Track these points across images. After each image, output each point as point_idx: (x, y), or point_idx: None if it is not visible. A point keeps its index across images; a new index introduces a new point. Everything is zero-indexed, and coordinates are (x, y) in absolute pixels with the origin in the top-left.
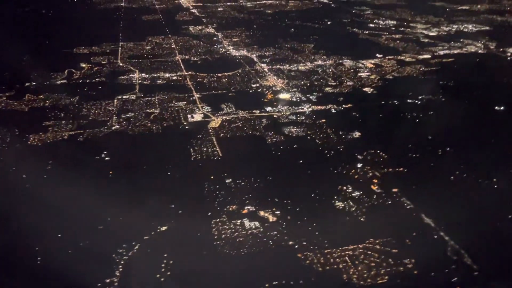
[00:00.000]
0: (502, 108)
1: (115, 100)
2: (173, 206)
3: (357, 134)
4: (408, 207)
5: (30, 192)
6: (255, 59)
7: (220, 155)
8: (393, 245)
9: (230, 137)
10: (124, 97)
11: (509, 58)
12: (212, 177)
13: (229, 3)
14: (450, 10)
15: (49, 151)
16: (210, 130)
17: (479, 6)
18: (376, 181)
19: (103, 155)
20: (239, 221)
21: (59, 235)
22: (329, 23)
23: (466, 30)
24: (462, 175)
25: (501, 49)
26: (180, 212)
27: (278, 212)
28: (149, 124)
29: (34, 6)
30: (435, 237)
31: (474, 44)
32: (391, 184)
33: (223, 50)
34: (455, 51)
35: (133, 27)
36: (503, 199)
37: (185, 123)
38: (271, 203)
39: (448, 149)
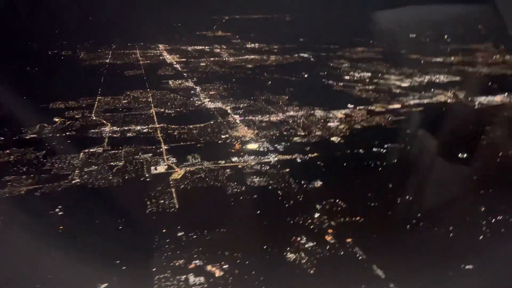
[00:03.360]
0: (465, 156)
1: (81, 154)
2: (118, 261)
3: (319, 183)
4: (360, 257)
5: None
6: (229, 111)
7: (177, 207)
8: None
9: (190, 188)
10: (91, 150)
11: (476, 107)
12: (164, 230)
13: (212, 59)
14: (425, 62)
15: (2, 207)
16: (171, 182)
17: (452, 58)
18: (331, 231)
19: (57, 210)
20: (184, 276)
21: None
22: (306, 76)
23: (437, 81)
24: (418, 223)
25: (469, 99)
26: (124, 268)
27: (226, 266)
28: (110, 177)
29: (19, 63)
30: None
31: (444, 94)
32: (346, 234)
33: (199, 102)
34: (425, 101)
35: (114, 82)
36: (456, 248)
37: (147, 175)
38: (221, 256)
39: (407, 197)
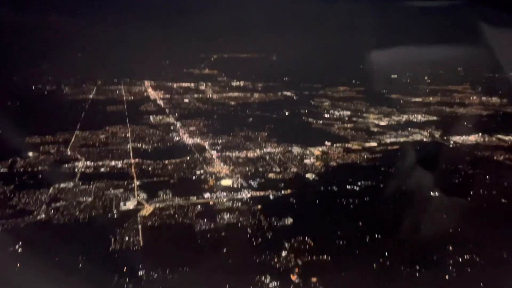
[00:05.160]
0: (436, 194)
1: (51, 189)
2: None
3: (289, 221)
4: None
5: None
6: (206, 146)
7: (141, 245)
8: None
9: (157, 225)
10: (62, 185)
11: (451, 146)
12: (124, 269)
13: (196, 95)
14: (404, 102)
15: None
16: (139, 219)
17: (431, 98)
18: (297, 270)
19: (17, 247)
20: None
21: None
22: (287, 113)
23: (415, 120)
24: (386, 262)
25: (444, 138)
26: None
27: None
28: (77, 213)
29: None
30: None
31: (420, 133)
32: (311, 274)
33: (177, 138)
34: (401, 139)
35: (94, 117)
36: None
37: (115, 211)
38: None
39: (376, 235)
